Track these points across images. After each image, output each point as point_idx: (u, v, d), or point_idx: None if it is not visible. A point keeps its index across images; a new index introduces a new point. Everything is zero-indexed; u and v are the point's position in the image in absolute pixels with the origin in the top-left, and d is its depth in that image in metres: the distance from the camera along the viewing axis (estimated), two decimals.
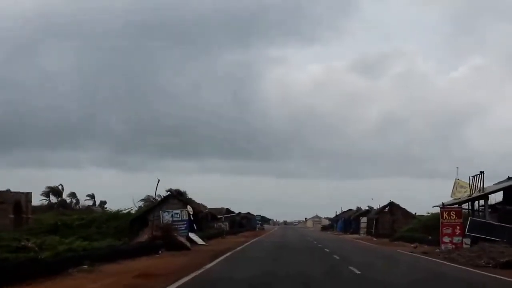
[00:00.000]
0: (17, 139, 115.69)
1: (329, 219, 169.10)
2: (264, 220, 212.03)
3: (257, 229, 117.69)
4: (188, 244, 31.42)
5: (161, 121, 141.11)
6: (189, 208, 43.73)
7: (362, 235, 69.79)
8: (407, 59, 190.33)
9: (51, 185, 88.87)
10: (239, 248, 35.05)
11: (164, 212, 36.83)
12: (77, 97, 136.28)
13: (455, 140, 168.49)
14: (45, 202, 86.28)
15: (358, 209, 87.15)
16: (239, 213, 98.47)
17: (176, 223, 35.71)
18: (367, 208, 79.27)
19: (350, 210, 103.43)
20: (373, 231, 63.35)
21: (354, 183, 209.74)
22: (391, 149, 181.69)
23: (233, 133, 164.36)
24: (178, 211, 36.90)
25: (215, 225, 74.86)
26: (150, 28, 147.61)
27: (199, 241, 37.01)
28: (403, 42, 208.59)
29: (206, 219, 51.26)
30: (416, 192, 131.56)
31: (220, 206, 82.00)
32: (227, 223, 78.99)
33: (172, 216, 35.92)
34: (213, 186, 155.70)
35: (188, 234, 35.87)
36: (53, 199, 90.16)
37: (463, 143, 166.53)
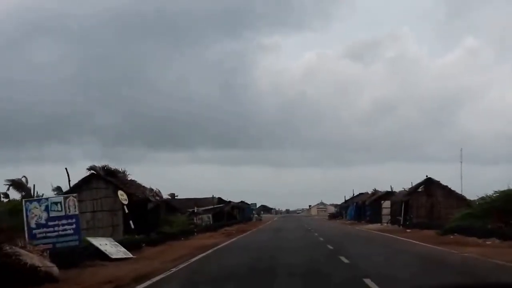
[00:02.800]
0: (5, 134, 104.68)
1: (336, 205, 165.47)
2: (266, 209, 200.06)
3: (254, 220, 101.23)
4: (54, 269, 14.33)
5: (151, 113, 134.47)
6: (121, 195, 26.87)
7: (386, 224, 53.00)
8: (399, 44, 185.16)
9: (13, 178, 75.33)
10: (181, 266, 18.00)
11: (31, 203, 19.10)
12: (65, 91, 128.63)
13: (449, 124, 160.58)
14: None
15: (375, 192, 70.07)
16: (229, 202, 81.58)
17: (54, 222, 18.55)
18: (390, 190, 62.29)
19: (362, 194, 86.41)
20: (401, 219, 46.49)
21: (355, 169, 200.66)
22: (386, 135, 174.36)
23: (224, 123, 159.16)
24: (59, 199, 19.56)
25: (195, 219, 59.15)
26: (139, 21, 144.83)
27: (117, 253, 20.10)
28: (395, 26, 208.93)
29: (158, 211, 34.29)
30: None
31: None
32: (210, 216, 62.53)
33: (47, 209, 18.53)
34: (208, 177, 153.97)
35: (78, 241, 18.80)
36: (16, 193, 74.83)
37: (458, 127, 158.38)
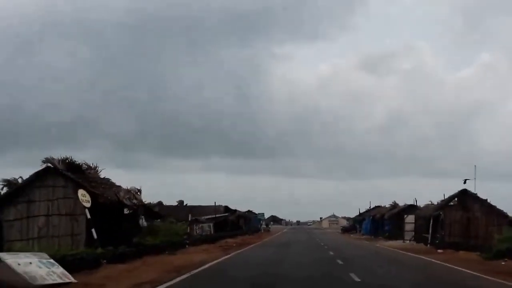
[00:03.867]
0: (19, 138, 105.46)
1: (348, 219, 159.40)
2: (276, 220, 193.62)
3: (262, 231, 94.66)
4: None
5: (165, 120, 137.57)
6: (82, 195, 20.76)
7: (408, 242, 46.40)
8: (414, 55, 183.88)
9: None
10: None
11: None
12: (79, 95, 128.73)
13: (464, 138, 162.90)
14: None
15: (395, 205, 63.34)
16: (235, 211, 75.20)
17: None
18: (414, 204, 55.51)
19: (378, 207, 79.71)
20: (429, 236, 39.85)
21: (369, 182, 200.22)
22: (401, 147, 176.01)
23: (237, 131, 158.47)
24: None
25: (195, 228, 53.88)
26: (155, 27, 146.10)
27: (47, 276, 13.87)
28: (410, 38, 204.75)
29: (137, 218, 28.00)
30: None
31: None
32: (211, 225, 56.51)
33: None
34: (218, 186, 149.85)
35: None
36: None
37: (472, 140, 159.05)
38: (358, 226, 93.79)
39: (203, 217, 64.86)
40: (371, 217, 75.16)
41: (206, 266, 20.76)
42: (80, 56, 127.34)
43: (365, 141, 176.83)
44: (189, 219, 44.50)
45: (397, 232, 54.44)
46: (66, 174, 22.41)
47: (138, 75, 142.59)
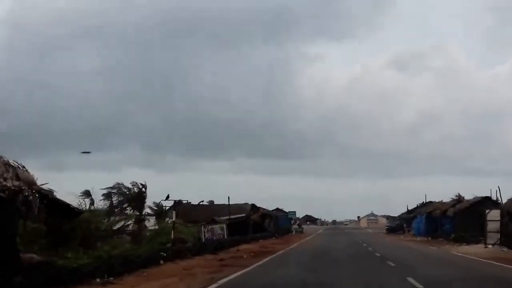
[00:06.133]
0: (49, 140, 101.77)
1: (388, 217, 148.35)
2: (310, 219, 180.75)
3: (293, 232, 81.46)
4: None
5: (193, 121, 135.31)
6: None
7: (491, 246, 32.96)
8: (444, 53, 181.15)
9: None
10: None
11: None
12: (108, 97, 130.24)
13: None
14: None
15: (459, 198, 49.58)
16: (257, 208, 62.39)
17: None
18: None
19: (432, 202, 65.71)
20: None
21: (405, 180, 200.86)
22: (431, 146, 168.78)
23: (266, 132, 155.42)
24: None
25: (205, 231, 42.88)
26: (182, 27, 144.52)
27: None
28: (440, 36, 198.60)
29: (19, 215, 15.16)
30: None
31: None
32: (224, 227, 43.97)
33: None
34: (248, 186, 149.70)
35: None
36: None
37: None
38: (405, 225, 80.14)
39: (223, 218, 52.68)
40: (424, 215, 61.33)
41: None
42: (107, 57, 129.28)
43: (394, 140, 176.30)
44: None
45: (468, 233, 41.07)
46: None
47: (166, 76, 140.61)
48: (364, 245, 40.37)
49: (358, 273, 18.24)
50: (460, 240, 42.35)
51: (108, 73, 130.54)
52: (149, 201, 61.53)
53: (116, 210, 36.91)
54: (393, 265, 21.52)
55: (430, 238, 52.36)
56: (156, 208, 65.45)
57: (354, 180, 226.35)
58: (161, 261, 20.64)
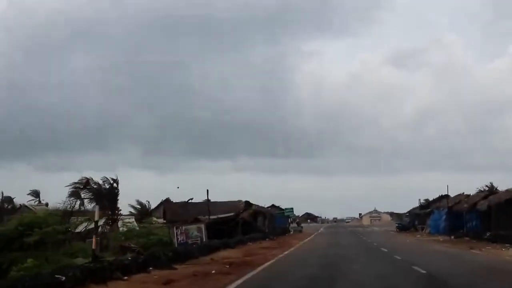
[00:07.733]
0: (47, 142, 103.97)
1: (392, 214, 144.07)
2: (311, 217, 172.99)
3: (292, 232, 72.74)
4: None
5: (193, 120, 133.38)
6: None
7: None
8: (444, 48, 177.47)
9: None
10: None
11: None
12: (106, 97, 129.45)
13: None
14: None
15: (491, 189, 40.94)
16: (250, 205, 53.76)
17: None
18: None
19: (447, 196, 56.54)
20: None
21: (405, 176, 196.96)
22: (432, 142, 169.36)
23: (265, 130, 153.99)
24: None
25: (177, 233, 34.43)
26: (180, 25, 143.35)
27: None
28: (439, 32, 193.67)
29: None
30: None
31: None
32: (202, 228, 35.18)
33: None
34: (248, 185, 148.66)
35: None
36: None
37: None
38: (416, 222, 71.46)
39: (208, 217, 44.42)
40: (444, 210, 52.52)
41: None
42: (104, 56, 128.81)
43: (395, 136, 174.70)
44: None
45: (508, 231, 32.48)
46: None
47: (165, 75, 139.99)
48: (384, 250, 31.24)
49: None
50: (499, 240, 33.77)
51: (105, 73, 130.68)
52: (132, 199, 55.67)
53: (82, 209, 32.75)
54: None
55: (453, 237, 43.74)
56: (139, 207, 57.39)
57: (354, 176, 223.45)
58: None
